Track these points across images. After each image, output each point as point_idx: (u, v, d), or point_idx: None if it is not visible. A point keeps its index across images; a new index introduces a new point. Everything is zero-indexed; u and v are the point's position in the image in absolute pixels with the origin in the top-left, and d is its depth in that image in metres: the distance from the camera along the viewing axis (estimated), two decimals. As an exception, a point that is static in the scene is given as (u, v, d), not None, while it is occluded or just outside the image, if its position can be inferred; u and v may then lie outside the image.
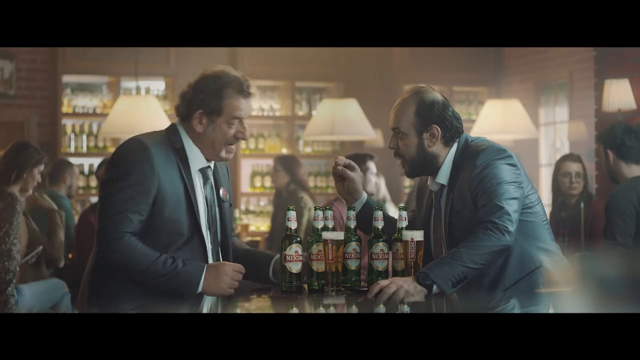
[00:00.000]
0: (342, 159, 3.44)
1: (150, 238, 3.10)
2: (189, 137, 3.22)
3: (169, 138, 3.20)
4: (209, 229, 3.22)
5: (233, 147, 3.24)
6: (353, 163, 3.45)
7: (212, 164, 3.28)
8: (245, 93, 3.19)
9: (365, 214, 3.39)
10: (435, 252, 3.35)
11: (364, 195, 3.46)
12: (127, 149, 3.14)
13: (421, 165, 3.34)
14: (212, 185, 3.27)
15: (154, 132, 3.27)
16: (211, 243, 3.23)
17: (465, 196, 3.25)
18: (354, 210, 3.35)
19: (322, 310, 3.07)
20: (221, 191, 3.30)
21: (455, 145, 3.34)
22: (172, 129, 3.25)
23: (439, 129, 3.31)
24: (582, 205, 5.67)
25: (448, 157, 3.33)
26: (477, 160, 3.24)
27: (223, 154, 3.22)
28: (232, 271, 3.12)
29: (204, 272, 3.10)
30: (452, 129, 3.33)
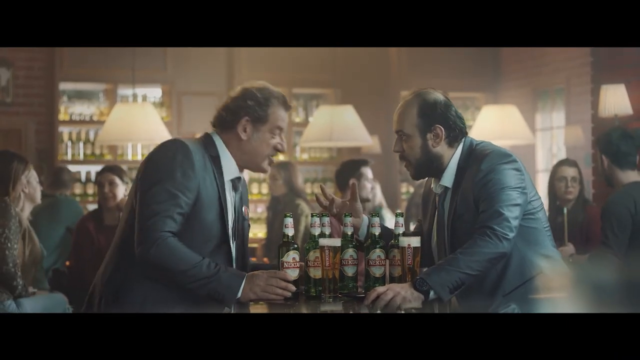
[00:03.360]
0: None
1: (183, 240, 3.12)
2: (225, 147, 3.26)
3: (205, 145, 3.24)
4: (234, 239, 3.25)
5: (273, 159, 3.32)
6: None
7: (242, 176, 3.32)
8: (287, 106, 3.30)
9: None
10: (438, 255, 3.35)
11: (365, 217, 3.45)
12: (169, 147, 3.18)
13: (426, 167, 3.33)
14: (240, 197, 3.31)
15: (190, 138, 3.32)
16: (236, 255, 3.25)
17: (468, 200, 3.24)
18: (350, 216, 3.35)
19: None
20: (243, 208, 3.34)
21: (460, 147, 3.33)
22: (207, 137, 3.29)
23: (442, 128, 3.30)
24: (565, 211, 5.66)
25: (453, 159, 3.32)
26: (482, 164, 3.23)
27: (265, 164, 3.30)
28: (264, 282, 3.11)
29: (245, 278, 3.11)
30: (456, 128, 3.32)
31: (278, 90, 3.31)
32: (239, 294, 3.08)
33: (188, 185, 3.11)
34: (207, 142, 3.27)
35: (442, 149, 3.32)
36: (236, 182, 3.29)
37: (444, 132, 3.30)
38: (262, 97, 3.25)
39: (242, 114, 3.25)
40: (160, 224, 3.08)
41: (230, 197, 3.25)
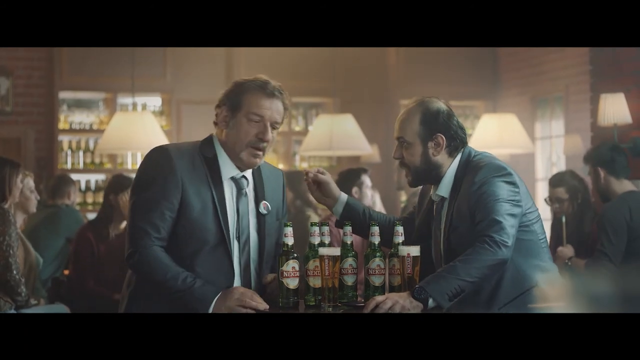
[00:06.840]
0: (311, 170, 3.48)
1: (176, 245, 3.16)
2: (221, 146, 3.27)
3: (201, 148, 3.26)
4: (238, 239, 3.23)
5: (259, 152, 3.25)
6: (321, 169, 3.49)
7: (248, 174, 3.30)
8: (268, 92, 3.22)
9: (350, 213, 3.45)
10: (436, 262, 3.37)
11: (343, 195, 3.47)
12: (151, 157, 3.23)
13: (425, 174, 3.36)
14: (246, 195, 3.28)
15: (186, 142, 3.34)
16: (240, 253, 3.24)
17: (463, 211, 3.26)
18: (350, 225, 3.36)
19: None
20: (262, 204, 3.31)
21: (458, 157, 3.35)
22: (207, 139, 3.31)
23: (443, 137, 3.32)
24: (563, 219, 5.67)
25: (450, 169, 3.34)
26: (476, 176, 3.25)
27: (244, 155, 3.24)
28: (240, 295, 3.12)
29: (218, 295, 3.13)
30: (457, 138, 3.34)
31: (267, 79, 3.24)
32: (211, 309, 3.11)
33: (169, 191, 3.14)
34: (205, 143, 3.28)
35: (442, 158, 3.34)
36: (239, 180, 3.27)
37: (445, 142, 3.32)
38: (239, 84, 3.25)
39: (221, 104, 3.26)
40: (142, 233, 3.15)
41: (230, 196, 3.24)
